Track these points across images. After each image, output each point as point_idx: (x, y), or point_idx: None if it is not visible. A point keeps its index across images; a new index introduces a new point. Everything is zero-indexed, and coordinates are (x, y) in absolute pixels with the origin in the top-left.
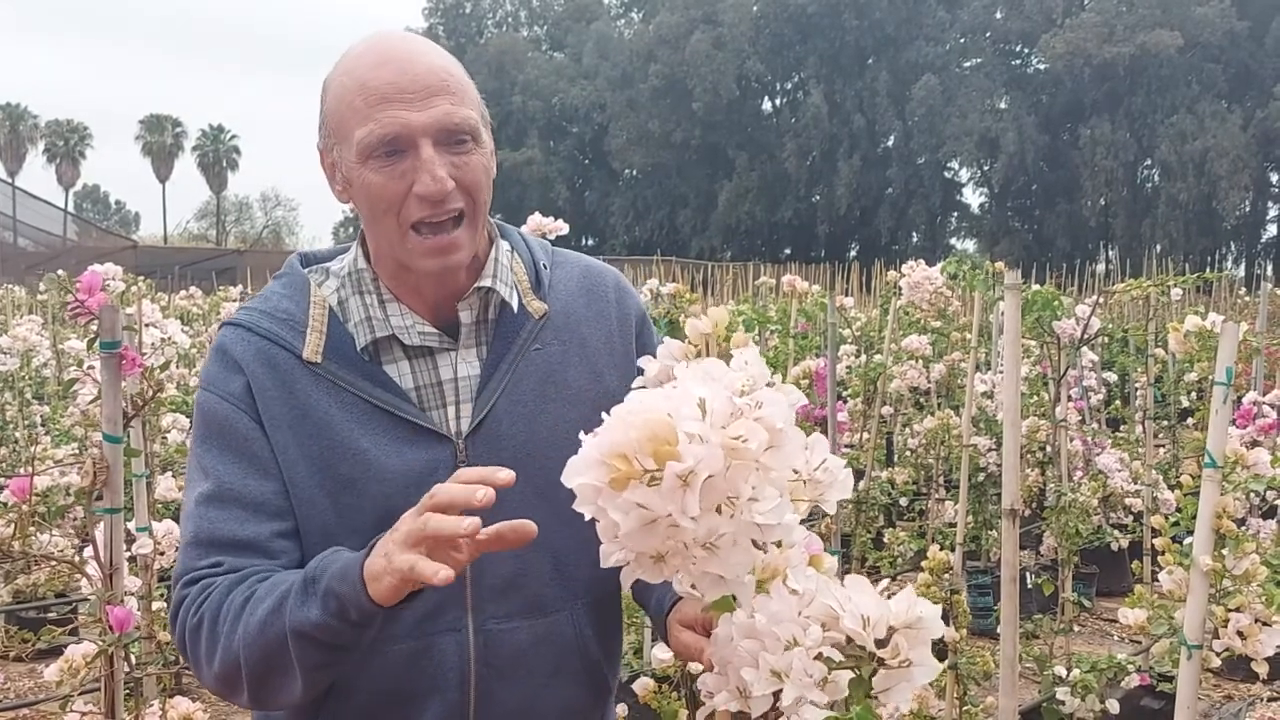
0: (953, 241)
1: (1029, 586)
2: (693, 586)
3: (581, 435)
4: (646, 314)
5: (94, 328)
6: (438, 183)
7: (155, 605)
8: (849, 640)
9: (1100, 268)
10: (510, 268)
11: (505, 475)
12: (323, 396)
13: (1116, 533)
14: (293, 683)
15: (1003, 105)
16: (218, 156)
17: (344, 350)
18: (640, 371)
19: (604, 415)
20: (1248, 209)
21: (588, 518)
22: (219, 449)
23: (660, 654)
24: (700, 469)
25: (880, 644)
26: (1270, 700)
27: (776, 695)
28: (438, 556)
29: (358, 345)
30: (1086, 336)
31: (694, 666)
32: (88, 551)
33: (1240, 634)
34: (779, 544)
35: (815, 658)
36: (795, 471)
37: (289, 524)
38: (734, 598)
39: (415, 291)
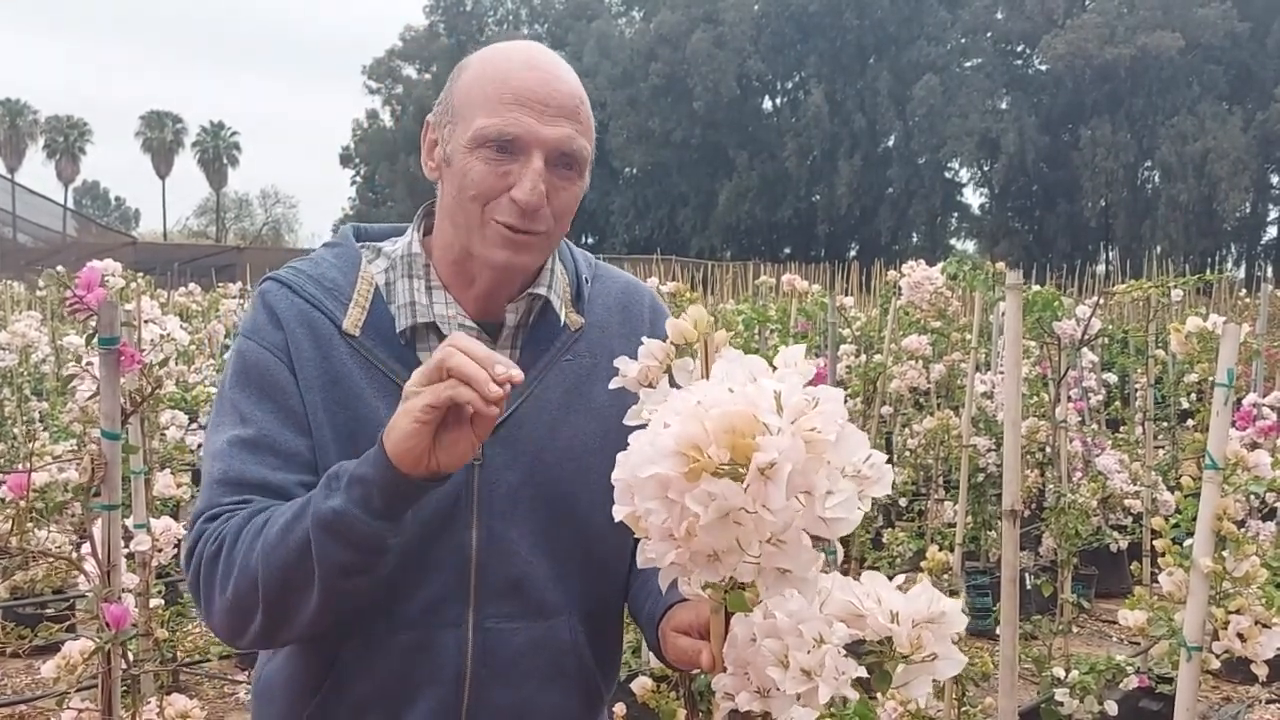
0: (953, 242)
1: (1028, 587)
2: (704, 588)
3: (631, 438)
4: None
5: (92, 324)
6: (535, 195)
7: (153, 602)
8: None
9: (1100, 269)
10: (560, 278)
11: (517, 374)
12: (355, 369)
13: (1116, 534)
14: (309, 597)
15: (1003, 106)
16: (218, 153)
17: (383, 329)
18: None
19: (627, 424)
20: (1248, 210)
21: (619, 518)
22: (258, 396)
23: (655, 655)
24: (783, 461)
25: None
26: (1269, 702)
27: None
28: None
29: (397, 328)
30: (1086, 337)
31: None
32: (85, 548)
33: (1240, 636)
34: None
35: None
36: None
37: (316, 479)
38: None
39: (468, 284)
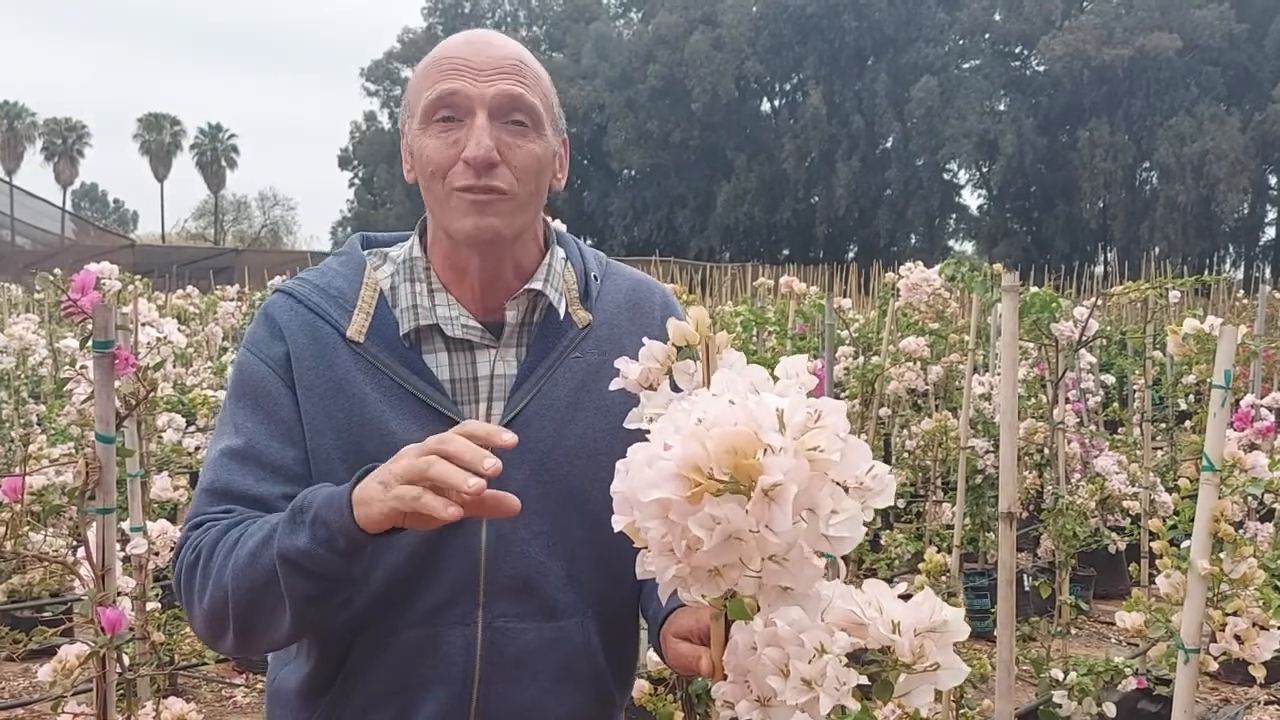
0: (951, 243)
1: (1026, 589)
2: (704, 596)
3: (630, 450)
4: None
5: (88, 327)
6: (482, 149)
7: (150, 605)
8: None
9: (1098, 270)
10: (562, 275)
11: (509, 437)
12: (360, 375)
13: (1114, 535)
14: (280, 617)
15: (1001, 107)
16: (216, 155)
17: (387, 334)
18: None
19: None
20: (1246, 211)
21: (618, 528)
22: (251, 408)
23: (656, 656)
24: (788, 483)
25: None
26: (1268, 704)
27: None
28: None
29: (401, 331)
30: (1084, 339)
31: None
32: (80, 552)
33: (1237, 638)
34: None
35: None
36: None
37: (302, 489)
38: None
39: (462, 276)
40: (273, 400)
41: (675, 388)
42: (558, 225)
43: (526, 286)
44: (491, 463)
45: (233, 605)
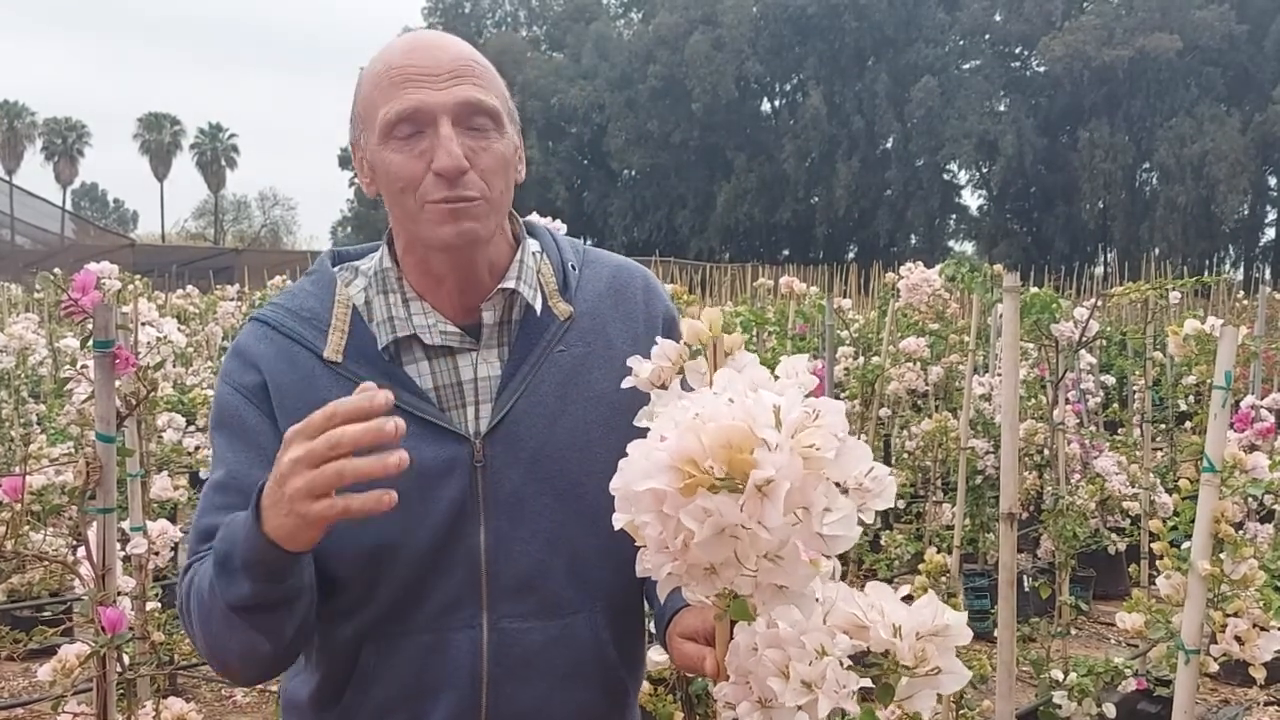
0: (951, 243)
1: (1026, 590)
2: (708, 596)
3: (630, 446)
4: (676, 315)
5: (88, 327)
6: (453, 158)
7: (150, 605)
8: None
9: (1098, 270)
10: (537, 270)
11: (383, 397)
12: (342, 394)
13: (1114, 536)
14: (260, 647)
15: (1002, 108)
16: (216, 155)
17: (365, 350)
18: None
19: (633, 420)
20: (1246, 212)
21: (619, 525)
22: (228, 438)
23: (656, 656)
24: (780, 479)
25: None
26: (1268, 705)
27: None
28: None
29: (379, 344)
30: (1085, 339)
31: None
32: (80, 551)
33: (1238, 639)
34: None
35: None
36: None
37: None
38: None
39: (438, 283)
40: (249, 428)
41: (688, 387)
42: (557, 225)
43: (500, 286)
44: (392, 426)
45: (219, 651)
